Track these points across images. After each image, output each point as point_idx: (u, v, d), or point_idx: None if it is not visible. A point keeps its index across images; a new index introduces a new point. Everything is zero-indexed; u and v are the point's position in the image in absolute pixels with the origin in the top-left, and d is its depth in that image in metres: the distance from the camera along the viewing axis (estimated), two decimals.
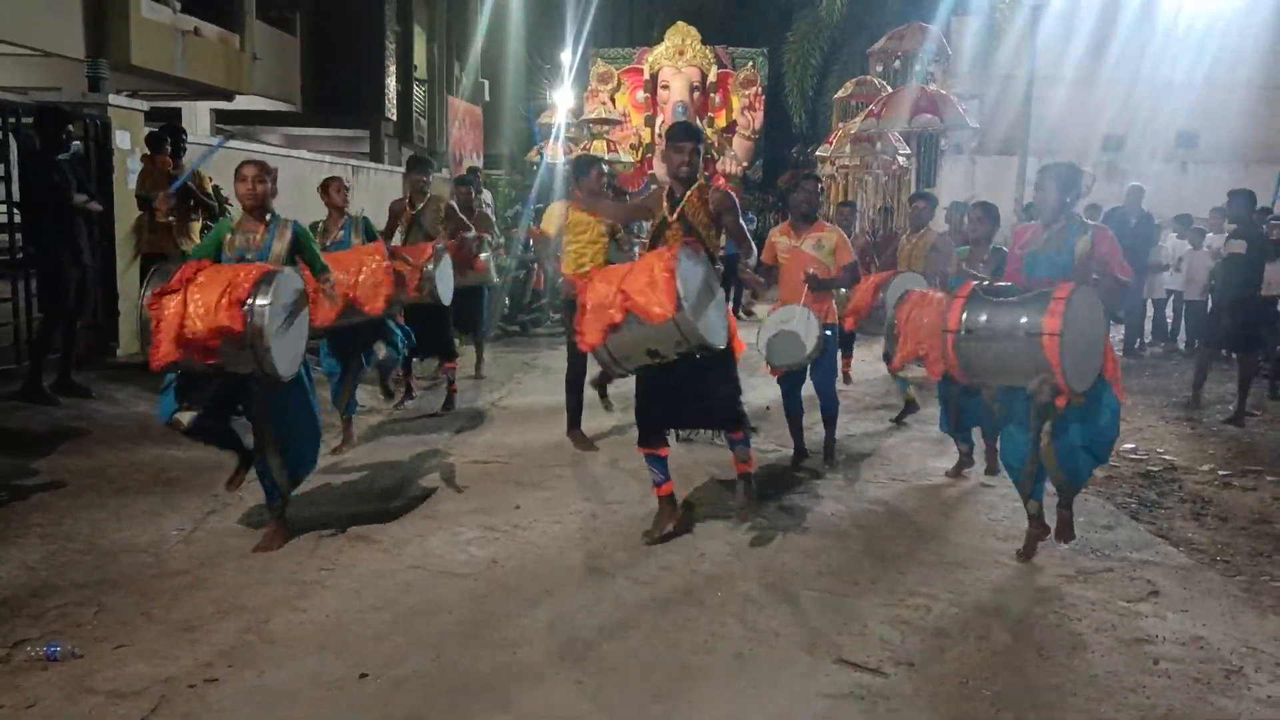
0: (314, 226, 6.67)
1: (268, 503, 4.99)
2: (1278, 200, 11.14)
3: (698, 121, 24.95)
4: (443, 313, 7.63)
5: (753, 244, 5.32)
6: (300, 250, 5.03)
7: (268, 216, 4.96)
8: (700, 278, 4.74)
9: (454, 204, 8.24)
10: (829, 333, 6.31)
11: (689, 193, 5.10)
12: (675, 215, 5.09)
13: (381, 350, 7.04)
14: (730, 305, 14.95)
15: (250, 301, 4.40)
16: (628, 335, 4.65)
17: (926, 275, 7.12)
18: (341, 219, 6.80)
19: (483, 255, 8.84)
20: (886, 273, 7.81)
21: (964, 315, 4.60)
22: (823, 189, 19.35)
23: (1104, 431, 4.82)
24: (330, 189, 6.85)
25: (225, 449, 5.12)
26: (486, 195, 16.04)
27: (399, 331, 6.92)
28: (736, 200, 5.18)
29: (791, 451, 6.67)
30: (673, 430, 5.54)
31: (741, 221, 5.17)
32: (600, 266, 6.22)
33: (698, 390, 4.97)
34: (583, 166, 6.74)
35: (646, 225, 5.92)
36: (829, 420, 6.65)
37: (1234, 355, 9.16)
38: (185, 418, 4.68)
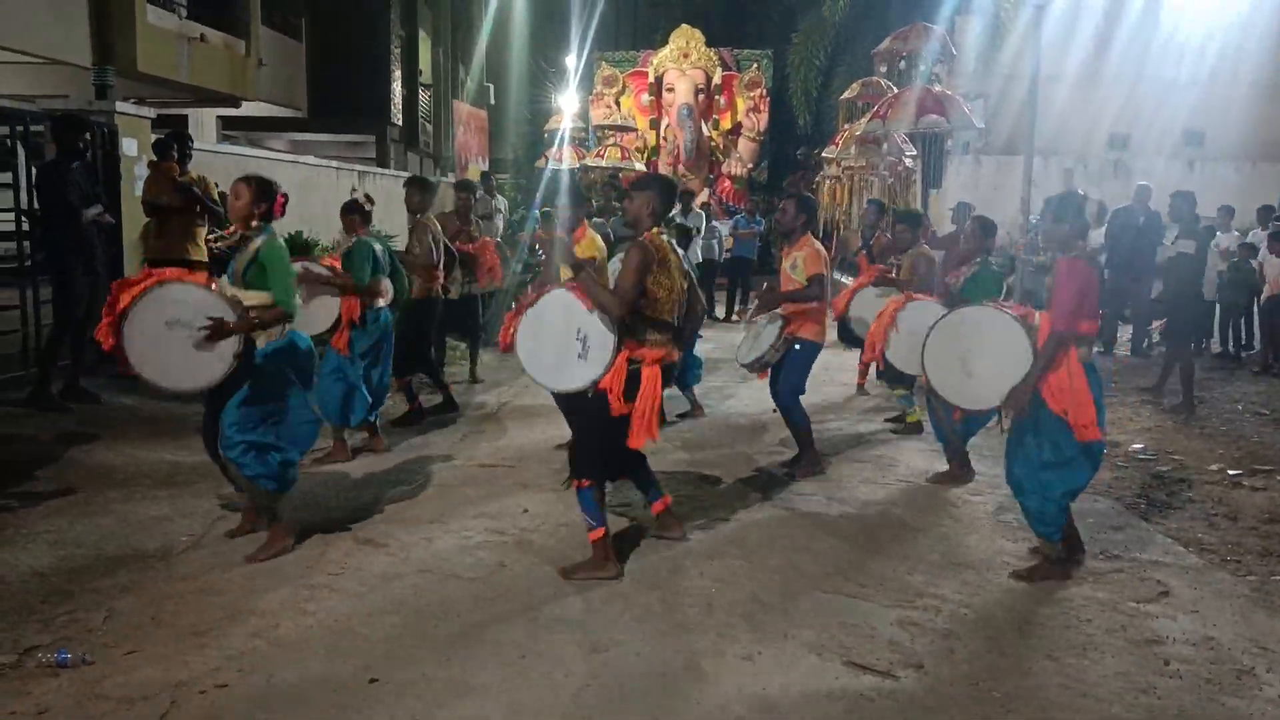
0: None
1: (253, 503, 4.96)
2: None
3: (702, 124, 25.00)
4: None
5: (614, 301, 4.60)
6: (260, 266, 4.74)
7: (253, 230, 4.83)
8: (562, 323, 4.71)
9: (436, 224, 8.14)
10: (798, 346, 6.28)
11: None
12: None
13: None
14: (738, 307, 15.03)
15: (129, 310, 4.58)
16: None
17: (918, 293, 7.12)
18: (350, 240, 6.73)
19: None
20: (867, 278, 7.90)
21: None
22: (815, 186, 19.41)
23: (1067, 479, 4.62)
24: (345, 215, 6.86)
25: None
26: (501, 201, 16.09)
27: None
28: (643, 260, 4.55)
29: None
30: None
31: (624, 280, 4.57)
32: None
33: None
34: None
35: None
36: (798, 438, 6.49)
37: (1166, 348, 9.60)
38: None
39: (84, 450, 6.33)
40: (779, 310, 6.34)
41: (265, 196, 4.85)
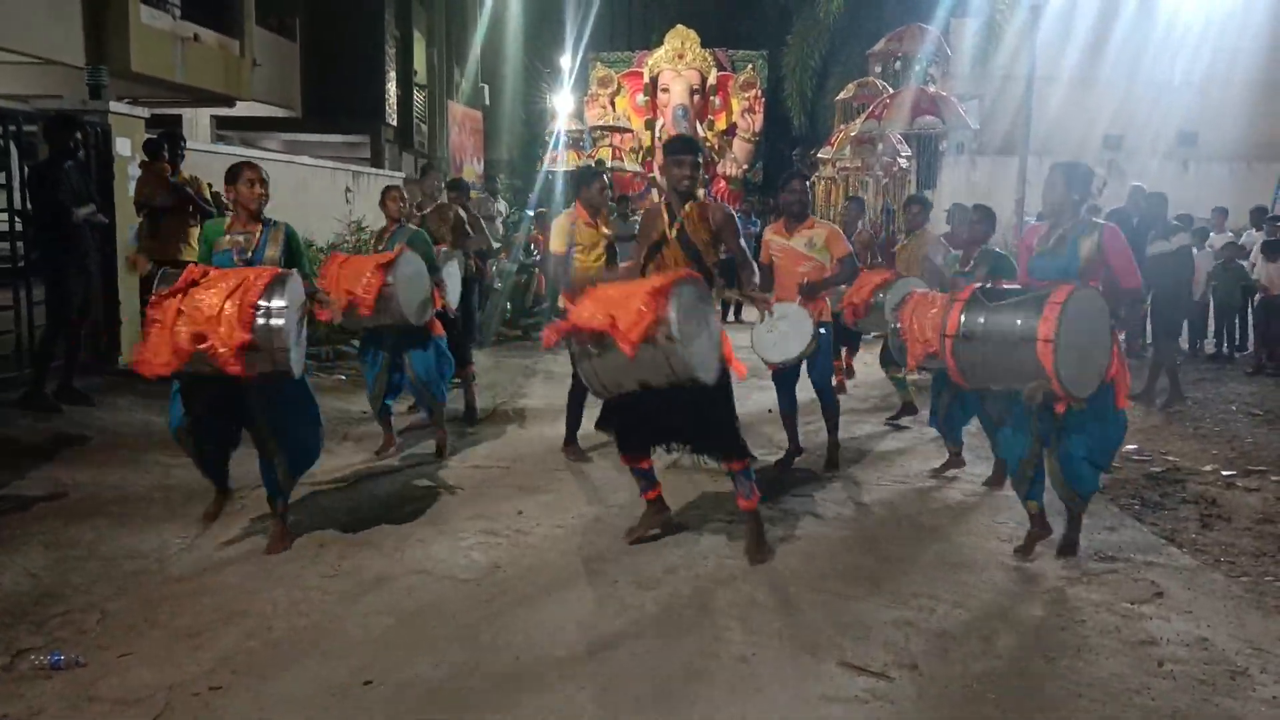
0: (378, 234, 6.98)
1: (270, 502, 5.00)
2: (1278, 201, 11.16)
3: (698, 125, 25.01)
4: (451, 321, 7.58)
5: (754, 265, 5.22)
6: (293, 255, 4.99)
7: (261, 219, 4.96)
8: (695, 308, 4.49)
9: (459, 211, 8.23)
10: (824, 330, 6.32)
11: (688, 208, 4.98)
12: (674, 232, 4.96)
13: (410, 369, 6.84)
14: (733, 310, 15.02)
15: (266, 304, 4.43)
16: (615, 362, 4.40)
17: (924, 280, 7.12)
18: (393, 228, 6.85)
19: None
20: (887, 273, 7.80)
21: (962, 318, 4.57)
22: (812, 183, 19.39)
23: (1108, 440, 4.81)
24: (386, 199, 6.93)
25: (211, 476, 5.14)
26: (501, 204, 16.08)
27: (436, 349, 6.78)
28: (737, 218, 5.08)
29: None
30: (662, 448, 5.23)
31: (742, 241, 5.07)
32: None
33: (692, 416, 4.75)
34: (585, 177, 6.75)
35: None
36: (831, 423, 6.64)
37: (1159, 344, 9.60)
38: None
39: (78, 451, 6.32)
40: (794, 304, 6.19)
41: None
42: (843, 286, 7.18)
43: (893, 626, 4.13)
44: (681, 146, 5.14)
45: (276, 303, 4.47)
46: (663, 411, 4.70)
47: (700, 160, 5.03)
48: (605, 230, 6.71)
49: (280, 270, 4.68)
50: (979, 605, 4.38)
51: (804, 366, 6.41)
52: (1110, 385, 4.65)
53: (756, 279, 5.28)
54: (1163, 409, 8.79)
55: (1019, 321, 4.39)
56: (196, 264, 4.70)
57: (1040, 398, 4.50)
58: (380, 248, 6.75)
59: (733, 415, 4.89)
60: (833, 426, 6.66)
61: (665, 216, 5.03)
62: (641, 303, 4.24)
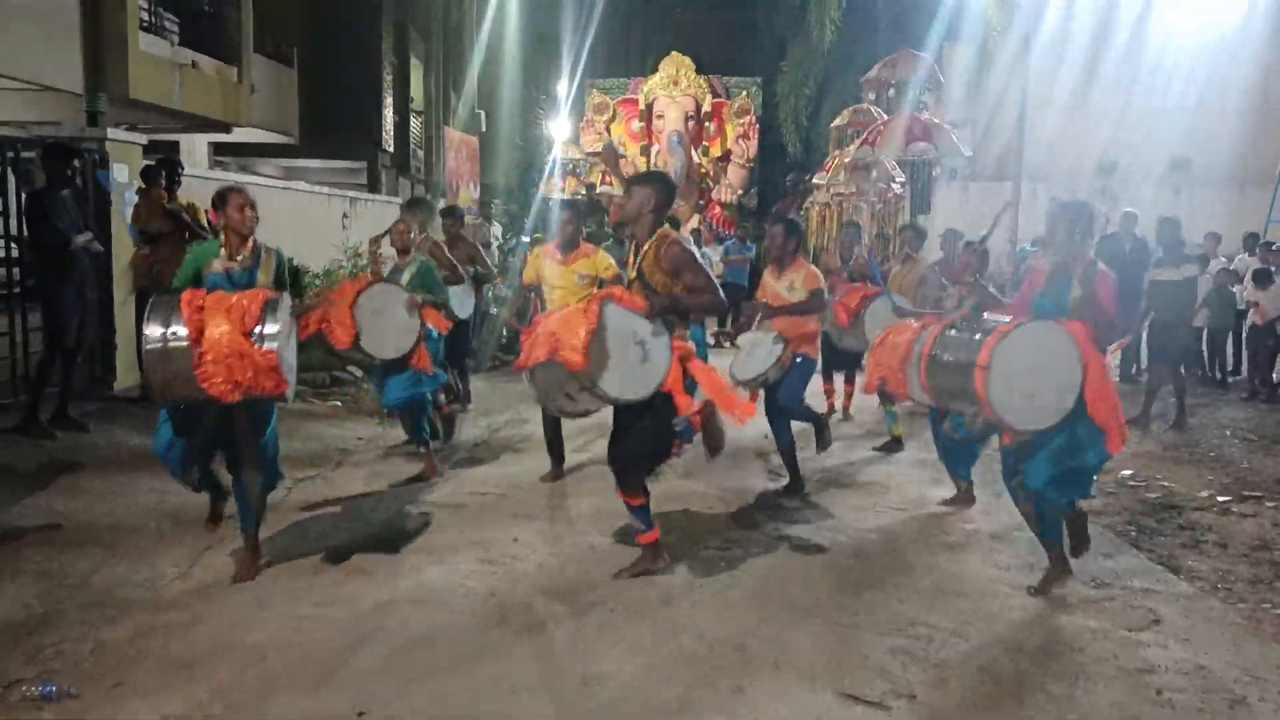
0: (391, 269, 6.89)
1: (244, 527, 5.01)
2: (1270, 226, 11.23)
3: (693, 151, 25.12)
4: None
5: (717, 297, 4.89)
6: (281, 279, 5.03)
7: (251, 243, 4.99)
8: (624, 333, 4.55)
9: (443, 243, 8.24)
10: (798, 360, 6.35)
11: (645, 248, 4.81)
12: (634, 273, 4.85)
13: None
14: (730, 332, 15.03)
15: (260, 330, 4.47)
16: (550, 374, 4.64)
17: (915, 305, 7.16)
18: (402, 260, 6.83)
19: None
20: (876, 289, 7.86)
21: (935, 340, 4.82)
22: (805, 209, 19.47)
23: (1076, 473, 4.67)
24: (392, 233, 6.94)
25: (205, 489, 5.19)
26: (497, 229, 16.13)
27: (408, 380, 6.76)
28: (695, 254, 4.85)
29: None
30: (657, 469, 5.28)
31: (700, 278, 4.75)
32: None
33: (617, 431, 4.89)
34: (556, 209, 6.75)
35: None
36: (784, 454, 6.56)
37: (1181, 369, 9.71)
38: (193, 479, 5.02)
39: (71, 479, 6.29)
40: (771, 331, 6.34)
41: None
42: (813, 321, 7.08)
43: (890, 655, 4.11)
44: (633, 180, 5.05)
45: (269, 328, 4.50)
46: (615, 425, 4.90)
47: (653, 193, 4.84)
48: (580, 270, 6.55)
49: (271, 293, 4.71)
50: (977, 634, 4.37)
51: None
52: (1089, 420, 4.55)
53: (718, 309, 5.06)
54: (1171, 429, 8.91)
55: (970, 349, 4.59)
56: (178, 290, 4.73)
57: (980, 423, 4.74)
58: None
59: (643, 444, 4.81)
60: (787, 459, 6.57)
61: (631, 258, 4.96)
62: (577, 322, 4.48)
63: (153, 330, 4.46)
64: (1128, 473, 7.32)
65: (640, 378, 4.60)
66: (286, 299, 4.78)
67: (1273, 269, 11.15)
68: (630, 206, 4.86)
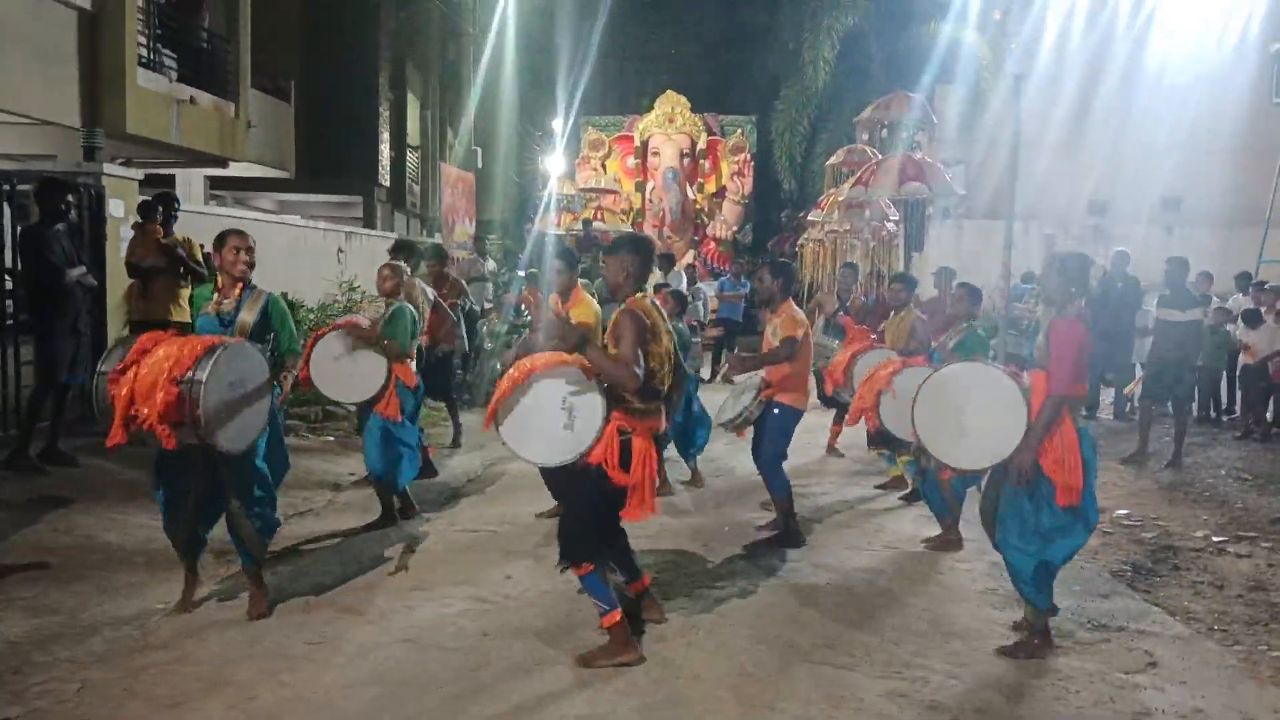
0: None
1: (244, 566, 4.95)
2: (1261, 266, 11.29)
3: (688, 187, 25.28)
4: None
5: (625, 371, 4.27)
6: (269, 322, 5.01)
7: (240, 286, 4.99)
8: (549, 394, 4.39)
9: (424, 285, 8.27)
10: (776, 411, 6.27)
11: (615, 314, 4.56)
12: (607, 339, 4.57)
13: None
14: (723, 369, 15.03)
15: (190, 375, 4.37)
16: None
17: (903, 354, 7.13)
18: (389, 305, 6.69)
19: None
20: (863, 344, 7.82)
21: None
22: (799, 247, 19.56)
23: (1040, 532, 4.54)
24: (378, 278, 6.82)
25: (188, 555, 4.97)
26: (491, 264, 16.18)
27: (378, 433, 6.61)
28: (641, 326, 4.37)
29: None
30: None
31: (624, 348, 4.30)
32: None
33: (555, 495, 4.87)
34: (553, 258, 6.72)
35: None
36: (778, 503, 6.42)
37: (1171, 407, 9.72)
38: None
39: (60, 514, 6.24)
40: (761, 373, 6.36)
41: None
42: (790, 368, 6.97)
43: (886, 698, 4.08)
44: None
45: (199, 375, 4.37)
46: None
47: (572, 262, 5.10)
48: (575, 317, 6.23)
49: (216, 340, 4.58)
50: (972, 675, 4.34)
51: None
52: (1045, 478, 4.47)
53: (621, 384, 4.35)
54: (1166, 467, 8.96)
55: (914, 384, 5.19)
56: (169, 328, 4.72)
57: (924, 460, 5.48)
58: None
59: (574, 517, 4.53)
60: (780, 508, 6.42)
61: None
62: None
63: (100, 364, 4.53)
64: (1123, 512, 7.30)
65: (560, 443, 4.38)
66: (248, 349, 4.71)
67: (1263, 309, 11.21)
68: (609, 275, 4.66)
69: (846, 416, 7.05)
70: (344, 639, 4.59)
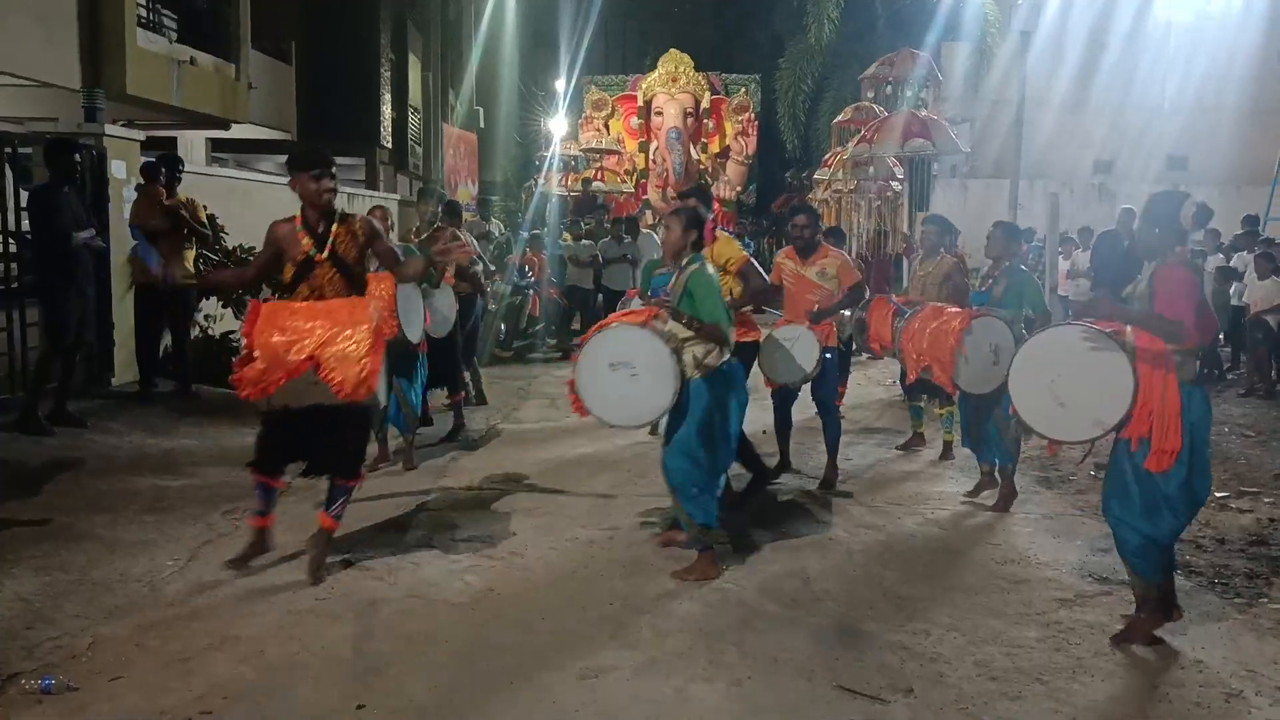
0: None
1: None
2: (1268, 222, 11.22)
3: (691, 147, 25.10)
4: (449, 344, 7.57)
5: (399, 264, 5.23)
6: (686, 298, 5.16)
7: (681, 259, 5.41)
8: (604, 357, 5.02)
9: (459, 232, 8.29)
10: (829, 355, 6.43)
11: (335, 227, 4.79)
12: (325, 252, 4.77)
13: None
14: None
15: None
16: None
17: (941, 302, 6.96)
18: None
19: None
20: (887, 307, 7.53)
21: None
22: (819, 216, 19.50)
23: (1134, 505, 4.22)
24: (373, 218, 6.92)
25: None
26: (494, 226, 16.14)
27: (422, 375, 7.04)
28: (377, 226, 5.03)
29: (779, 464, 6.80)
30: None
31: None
32: None
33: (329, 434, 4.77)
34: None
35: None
36: (832, 444, 6.70)
37: None
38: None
39: (70, 475, 6.29)
40: (804, 324, 6.39)
41: (695, 225, 5.05)
42: (849, 313, 7.00)
43: (888, 650, 4.12)
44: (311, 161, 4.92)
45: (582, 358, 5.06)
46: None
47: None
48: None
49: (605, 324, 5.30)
50: (973, 628, 4.37)
51: (807, 386, 6.56)
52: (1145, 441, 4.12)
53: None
54: None
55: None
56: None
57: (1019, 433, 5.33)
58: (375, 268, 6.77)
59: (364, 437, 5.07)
60: (833, 448, 6.72)
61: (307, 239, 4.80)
62: None
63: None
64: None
65: (640, 398, 4.95)
66: (629, 330, 5.10)
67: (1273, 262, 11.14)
68: (677, 234, 5.04)
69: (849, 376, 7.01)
70: (352, 595, 4.63)
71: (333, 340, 4.60)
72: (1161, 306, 4.05)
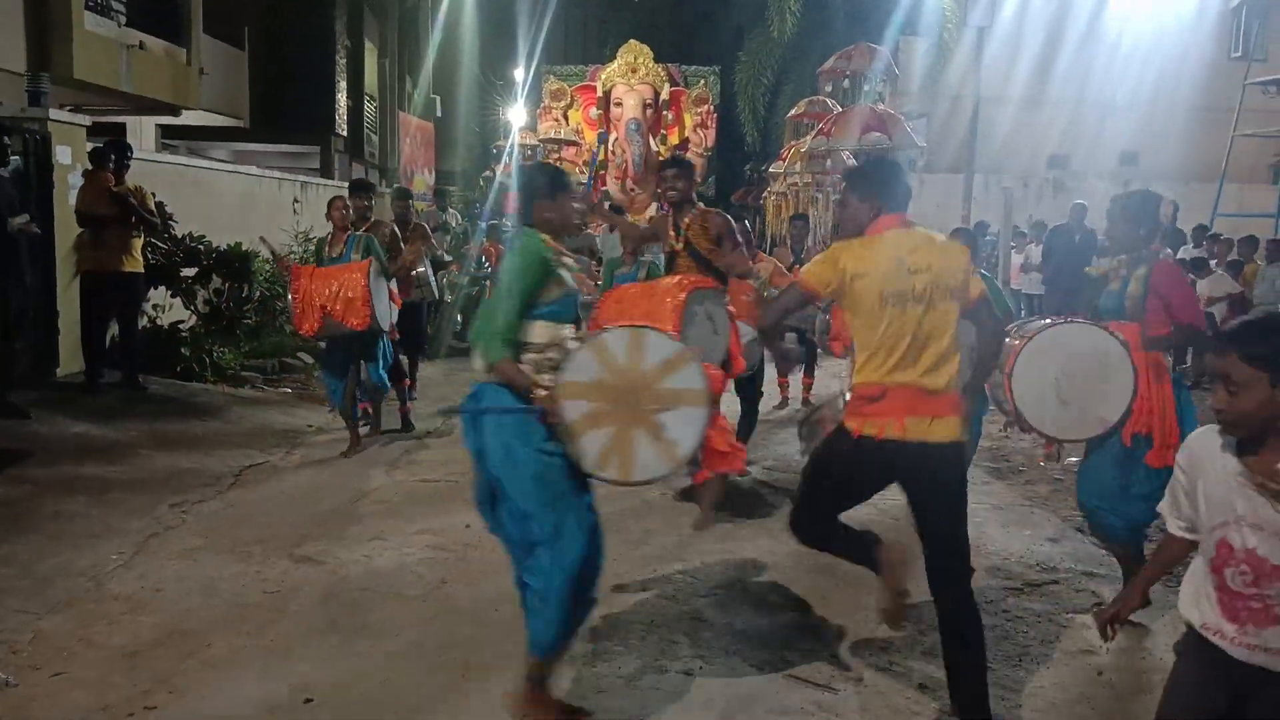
0: (319, 244, 7.49)
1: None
2: (1216, 218, 11.45)
3: (650, 139, 25.10)
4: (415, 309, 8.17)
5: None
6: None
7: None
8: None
9: (394, 228, 8.18)
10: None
11: (688, 219, 5.37)
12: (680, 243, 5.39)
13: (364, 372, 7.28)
14: None
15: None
16: None
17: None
18: (344, 237, 7.10)
19: (419, 269, 8.73)
20: None
21: None
22: (762, 200, 19.57)
23: (1103, 487, 4.38)
24: (331, 209, 7.16)
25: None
26: (455, 214, 16.01)
27: (386, 353, 7.30)
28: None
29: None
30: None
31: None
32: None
33: None
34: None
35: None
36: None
37: None
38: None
39: (13, 466, 6.16)
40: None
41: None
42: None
43: (839, 640, 4.15)
44: (668, 163, 5.74)
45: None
46: None
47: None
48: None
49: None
50: (923, 618, 4.40)
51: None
52: (1147, 441, 4.18)
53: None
54: None
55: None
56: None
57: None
58: (335, 256, 7.02)
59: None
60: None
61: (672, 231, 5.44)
62: None
63: None
64: (1074, 459, 7.41)
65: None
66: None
67: (1213, 261, 11.39)
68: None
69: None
70: (301, 588, 4.58)
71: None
72: (1176, 310, 4.14)
